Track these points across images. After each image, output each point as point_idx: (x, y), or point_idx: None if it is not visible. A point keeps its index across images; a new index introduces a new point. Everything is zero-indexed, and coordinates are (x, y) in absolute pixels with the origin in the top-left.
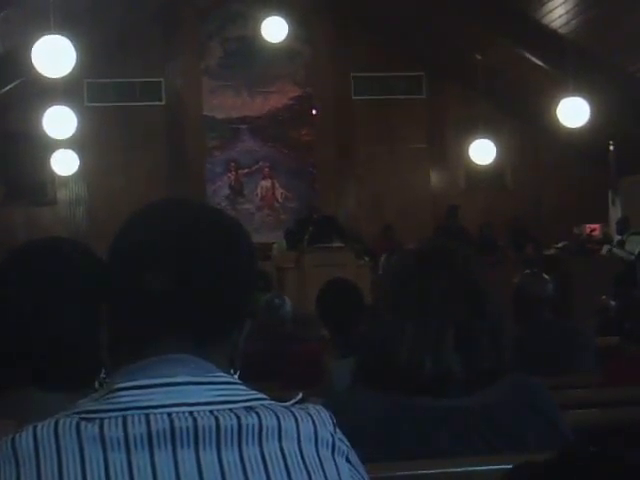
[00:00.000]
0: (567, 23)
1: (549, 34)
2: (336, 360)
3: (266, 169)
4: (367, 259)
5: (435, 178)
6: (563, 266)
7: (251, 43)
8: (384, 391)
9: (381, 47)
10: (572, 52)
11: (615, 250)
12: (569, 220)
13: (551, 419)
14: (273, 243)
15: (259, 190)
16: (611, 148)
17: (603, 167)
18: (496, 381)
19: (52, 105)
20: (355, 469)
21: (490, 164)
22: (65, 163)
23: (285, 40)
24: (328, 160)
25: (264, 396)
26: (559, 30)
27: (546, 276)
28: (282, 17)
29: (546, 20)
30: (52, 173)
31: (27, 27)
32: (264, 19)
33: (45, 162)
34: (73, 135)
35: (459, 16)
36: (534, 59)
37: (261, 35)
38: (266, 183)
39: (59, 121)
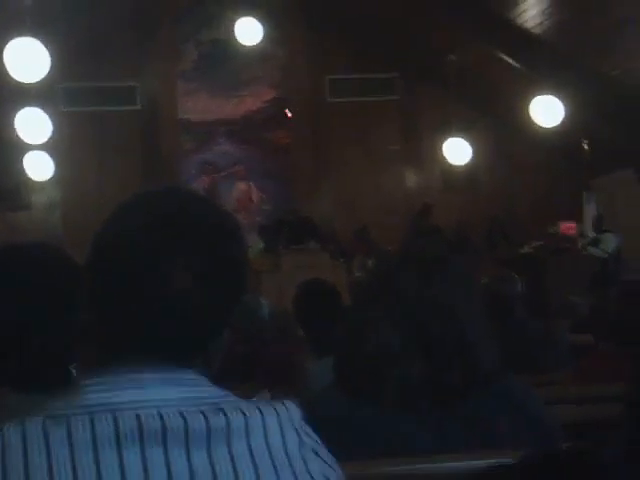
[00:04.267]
0: (540, 23)
1: (522, 34)
2: (312, 361)
3: (242, 172)
4: (342, 260)
5: (410, 179)
6: (538, 265)
7: (225, 46)
8: (353, 395)
9: (355, 49)
10: (545, 52)
11: (590, 249)
12: (544, 219)
13: (535, 417)
14: (249, 246)
15: (235, 193)
16: (585, 147)
17: (577, 166)
18: (477, 389)
19: (24, 108)
20: (325, 463)
21: (465, 164)
22: (40, 167)
23: (259, 42)
24: (303, 162)
25: (229, 393)
26: (532, 30)
27: (515, 275)
28: (256, 19)
29: (519, 20)
30: (26, 177)
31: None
32: (237, 21)
33: (19, 166)
34: (48, 140)
35: (432, 17)
36: (508, 59)
37: (235, 37)
38: (242, 186)
39: (32, 124)
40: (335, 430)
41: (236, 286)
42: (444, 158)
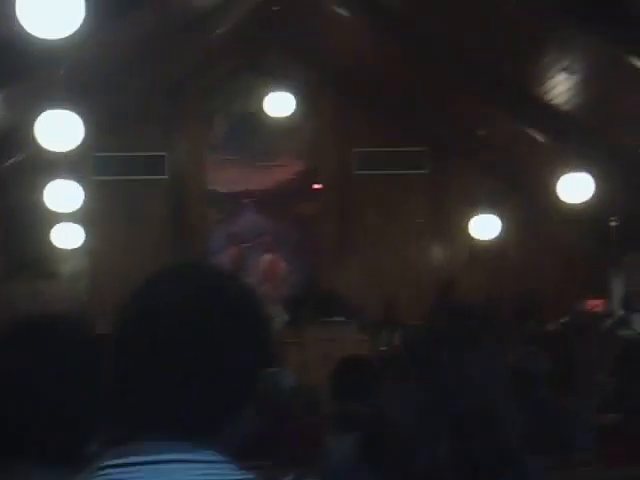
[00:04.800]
0: (568, 100)
1: (551, 110)
2: (336, 436)
3: (268, 243)
4: (369, 333)
5: (437, 253)
6: (564, 342)
7: (256, 118)
8: (378, 474)
9: (383, 123)
10: (574, 128)
11: (619, 329)
12: (571, 297)
13: None
14: (274, 318)
15: (261, 264)
16: (612, 224)
17: (605, 243)
18: (506, 470)
19: (55, 179)
20: None
21: (492, 239)
22: (68, 237)
23: (289, 117)
24: (330, 235)
25: (253, 476)
26: (561, 106)
27: (541, 352)
28: (287, 92)
29: (548, 96)
30: (54, 247)
31: (31, 101)
32: (268, 94)
33: (48, 236)
34: (78, 209)
35: (461, 93)
36: (536, 135)
37: (266, 110)
38: (268, 257)
39: (63, 194)
40: None
41: (257, 368)
42: (472, 233)
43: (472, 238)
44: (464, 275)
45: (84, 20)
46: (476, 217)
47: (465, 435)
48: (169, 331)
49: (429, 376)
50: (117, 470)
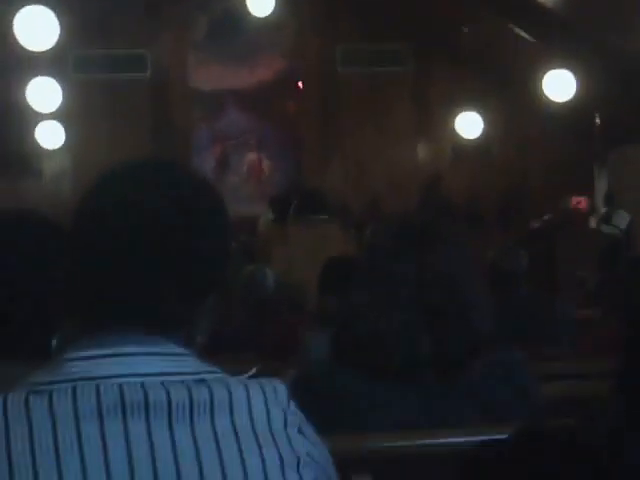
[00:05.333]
0: None
1: (536, 7)
2: (314, 332)
3: (252, 141)
4: (353, 231)
5: (421, 151)
6: (546, 240)
7: (237, 15)
8: (356, 368)
9: (367, 20)
10: (558, 25)
11: (602, 226)
12: (555, 194)
13: (525, 393)
14: (259, 217)
15: (245, 162)
16: (597, 121)
17: (589, 140)
18: (476, 358)
19: (36, 76)
20: (311, 442)
21: (477, 138)
22: (51, 135)
23: (272, 13)
24: (314, 133)
25: (216, 369)
26: (545, 3)
27: (521, 250)
28: None
29: None
30: (37, 146)
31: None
32: None
33: (30, 134)
34: (59, 108)
35: None
36: (521, 32)
37: (247, 8)
38: (252, 155)
39: (43, 93)
40: (333, 404)
41: (220, 255)
42: (456, 131)
43: (456, 136)
44: (448, 174)
45: None
46: (460, 115)
47: (436, 325)
48: (132, 221)
49: (397, 270)
50: (79, 363)
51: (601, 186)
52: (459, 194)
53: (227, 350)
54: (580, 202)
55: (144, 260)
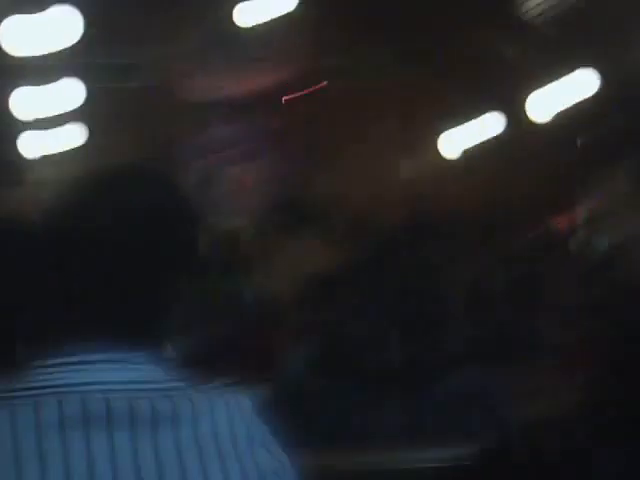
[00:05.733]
0: (541, 15)
1: (524, 24)
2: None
3: (238, 154)
4: (336, 246)
5: (407, 166)
6: (529, 260)
7: (227, 27)
8: (325, 377)
9: (354, 33)
10: (545, 42)
11: (583, 245)
12: (539, 213)
13: (492, 412)
14: (242, 228)
15: (231, 175)
16: (581, 141)
17: (574, 160)
18: (446, 375)
19: (23, 84)
20: (276, 458)
21: (462, 154)
22: (33, 145)
23: (260, 25)
24: (300, 146)
25: (182, 379)
26: (534, 21)
27: (500, 270)
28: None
29: (521, 10)
30: (20, 154)
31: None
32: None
33: (15, 142)
34: (45, 116)
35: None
36: (508, 49)
37: (236, 19)
38: (238, 168)
39: (30, 100)
40: (304, 412)
41: (186, 259)
42: (441, 147)
43: (442, 152)
44: (433, 190)
45: None
46: (446, 132)
47: (411, 338)
48: (98, 227)
49: (370, 284)
50: (42, 371)
51: (585, 207)
52: (443, 211)
53: (206, 363)
54: (564, 222)
55: (111, 268)
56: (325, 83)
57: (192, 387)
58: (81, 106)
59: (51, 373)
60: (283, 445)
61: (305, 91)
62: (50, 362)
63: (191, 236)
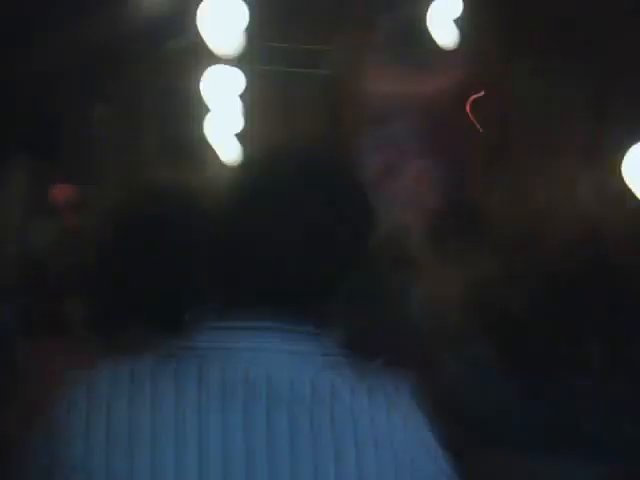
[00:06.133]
0: None
1: None
2: None
3: (421, 149)
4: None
5: (594, 185)
6: None
7: (419, 24)
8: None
9: (553, 36)
10: None
11: None
12: None
13: None
14: (416, 228)
15: (411, 171)
16: None
17: None
18: None
19: (214, 64)
20: (431, 453)
21: None
22: (220, 126)
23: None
24: (483, 147)
25: (343, 352)
26: None
27: None
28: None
29: None
30: (205, 135)
31: None
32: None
33: (199, 124)
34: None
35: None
36: None
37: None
38: (419, 164)
39: (222, 81)
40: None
41: (358, 243)
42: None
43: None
44: (614, 214)
45: None
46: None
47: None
48: (276, 208)
49: None
50: (211, 332)
51: None
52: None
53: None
54: None
55: (285, 246)
56: (483, 93)
57: (351, 365)
58: (252, 90)
59: (219, 335)
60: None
61: (472, 97)
62: (219, 324)
63: (364, 227)
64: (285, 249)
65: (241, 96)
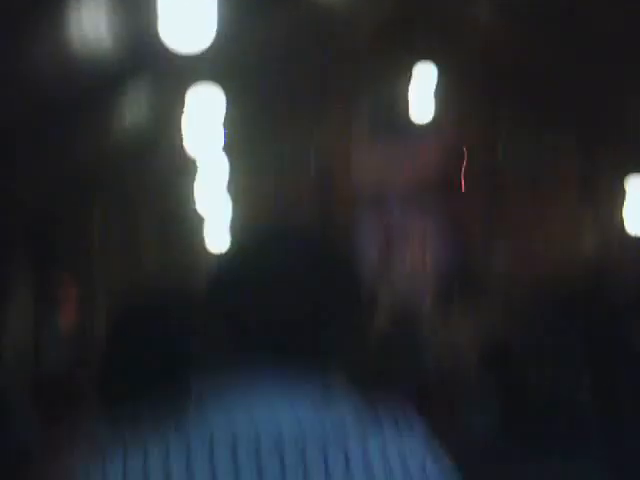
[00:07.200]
0: None
1: None
2: None
3: (415, 234)
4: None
5: (587, 241)
6: None
7: (396, 112)
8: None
9: (528, 109)
10: None
11: None
12: None
13: None
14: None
15: (409, 252)
16: None
17: None
18: None
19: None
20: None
21: None
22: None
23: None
24: (477, 226)
25: (351, 407)
26: None
27: None
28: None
29: None
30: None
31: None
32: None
33: None
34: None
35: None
36: None
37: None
38: (415, 246)
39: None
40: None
41: (352, 305)
42: (623, 223)
43: (624, 228)
44: (614, 267)
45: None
46: (626, 207)
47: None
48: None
49: None
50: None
51: None
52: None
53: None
54: None
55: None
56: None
57: (365, 418)
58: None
59: (226, 409)
60: None
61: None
62: (225, 398)
63: (357, 296)
64: (288, 322)
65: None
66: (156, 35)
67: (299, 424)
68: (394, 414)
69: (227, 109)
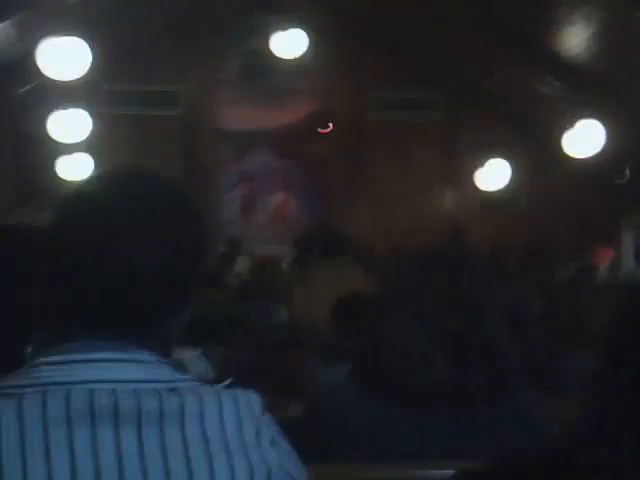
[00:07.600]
0: (582, 51)
1: (564, 59)
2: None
3: (280, 182)
4: (375, 275)
5: (447, 200)
6: (568, 293)
7: (270, 57)
8: (371, 393)
9: (398, 67)
10: (586, 80)
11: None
12: (580, 248)
13: (539, 433)
14: (284, 257)
15: (272, 202)
16: (627, 174)
17: (618, 193)
18: (498, 394)
19: (62, 108)
20: (283, 454)
21: (502, 189)
22: (75, 168)
23: (304, 55)
24: (341, 176)
25: (190, 377)
26: (575, 58)
27: (533, 301)
28: (301, 32)
29: (562, 46)
30: (59, 178)
31: (42, 29)
32: (282, 31)
33: (53, 167)
34: (86, 140)
35: (475, 40)
36: (549, 86)
37: (279, 49)
38: (279, 196)
39: (70, 124)
40: (344, 427)
41: (191, 270)
42: (481, 182)
43: (482, 187)
44: (473, 223)
45: None
46: (486, 166)
47: (455, 353)
48: (104, 232)
49: (422, 298)
50: (50, 367)
51: (628, 241)
52: (482, 244)
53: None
54: (607, 253)
55: (113, 274)
56: (332, 127)
57: (201, 384)
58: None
59: (58, 370)
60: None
61: (321, 132)
62: (56, 359)
63: (201, 253)
64: (124, 280)
65: (93, 139)
66: None
67: (135, 403)
68: (236, 394)
69: None
